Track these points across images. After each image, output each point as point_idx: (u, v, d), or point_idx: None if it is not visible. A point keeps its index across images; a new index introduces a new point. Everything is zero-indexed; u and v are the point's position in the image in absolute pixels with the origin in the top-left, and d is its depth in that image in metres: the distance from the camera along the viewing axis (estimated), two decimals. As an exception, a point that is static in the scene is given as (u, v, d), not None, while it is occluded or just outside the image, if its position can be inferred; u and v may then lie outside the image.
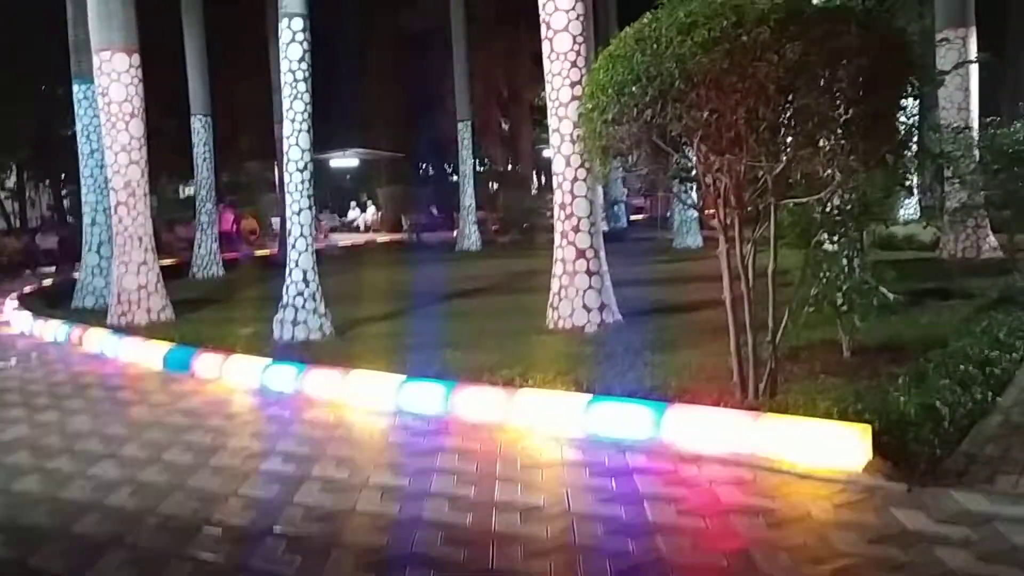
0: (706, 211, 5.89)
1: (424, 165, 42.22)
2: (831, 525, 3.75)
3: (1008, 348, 6.37)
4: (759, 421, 4.81)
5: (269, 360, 7.57)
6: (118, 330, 10.42)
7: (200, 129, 18.92)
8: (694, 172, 5.68)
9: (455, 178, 29.89)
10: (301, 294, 9.35)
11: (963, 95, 13.46)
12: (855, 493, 4.09)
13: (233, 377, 7.66)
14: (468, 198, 24.03)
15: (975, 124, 13.05)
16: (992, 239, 13.40)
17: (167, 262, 15.79)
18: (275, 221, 26.46)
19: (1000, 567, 3.28)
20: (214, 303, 13.26)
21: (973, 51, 13.77)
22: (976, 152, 11.20)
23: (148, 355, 8.82)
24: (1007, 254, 12.26)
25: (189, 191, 32.03)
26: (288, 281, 9.44)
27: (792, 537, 3.64)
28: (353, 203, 38.27)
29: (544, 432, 5.43)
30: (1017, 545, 3.44)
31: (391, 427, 5.94)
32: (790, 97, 4.95)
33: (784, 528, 3.76)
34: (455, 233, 25.19)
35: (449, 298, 12.39)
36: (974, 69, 13.48)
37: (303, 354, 7.92)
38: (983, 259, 12.62)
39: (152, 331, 10.18)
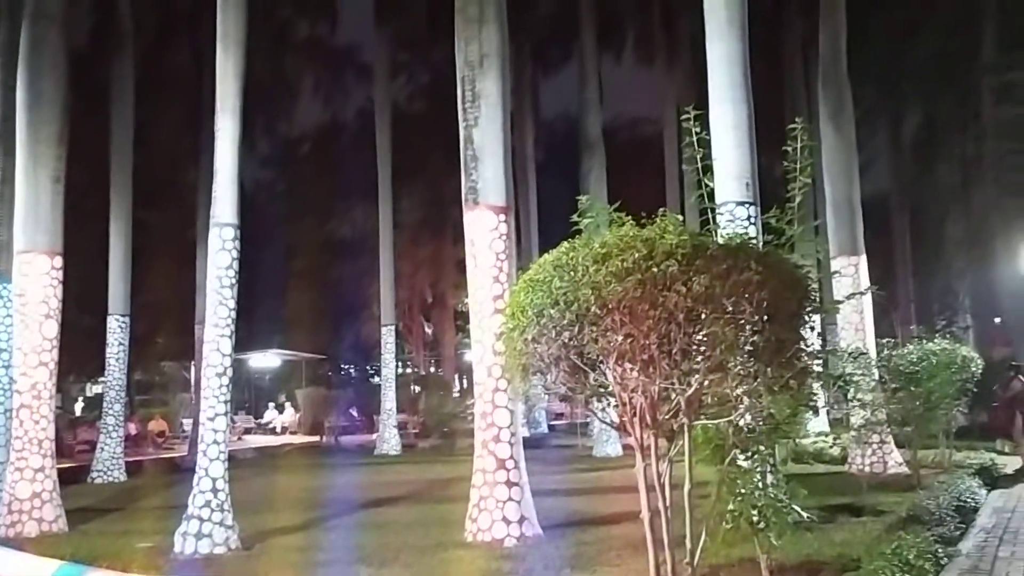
0: (623, 428, 6.03)
1: (346, 367, 42.08)
2: None
3: (919, 571, 6.47)
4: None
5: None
6: (5, 542, 9.69)
7: (116, 329, 18.63)
8: (611, 390, 5.87)
9: (377, 380, 29.82)
10: (208, 504, 8.96)
11: (859, 317, 14.37)
12: None
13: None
14: (389, 401, 23.88)
15: (871, 343, 13.88)
16: (897, 455, 13.87)
17: (65, 465, 14.99)
18: (187, 422, 25.63)
19: None
20: (113, 512, 12.52)
21: (865, 277, 14.87)
22: (875, 371, 11.87)
23: (35, 573, 8.18)
24: (911, 469, 12.69)
25: (97, 389, 30.99)
26: (195, 490, 9.07)
27: None
28: (271, 404, 37.53)
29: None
30: None
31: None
32: (699, 324, 5.27)
33: None
34: (375, 437, 24.77)
35: (366, 507, 12.01)
36: (867, 293, 14.49)
37: (205, 571, 7.48)
38: (890, 474, 12.99)
39: (42, 545, 9.50)
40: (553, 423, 30.52)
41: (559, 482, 13.46)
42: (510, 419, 9.27)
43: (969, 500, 10.07)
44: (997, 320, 29.02)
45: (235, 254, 9.62)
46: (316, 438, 29.24)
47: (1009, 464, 13.81)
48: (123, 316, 18.76)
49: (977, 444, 15.04)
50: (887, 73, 22.81)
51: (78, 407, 33.94)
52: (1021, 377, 14.84)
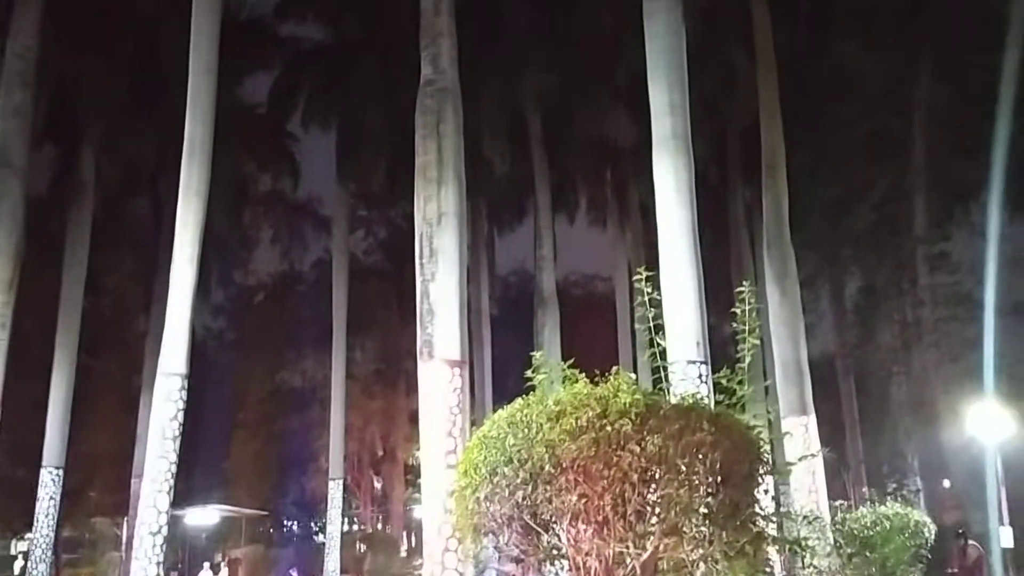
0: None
1: (288, 523, 40.39)
2: None
3: None
4: None
5: None
6: None
7: (49, 482, 17.77)
8: (565, 551, 5.70)
9: (321, 538, 28.59)
10: (132, 676, 8.31)
11: (811, 478, 14.33)
12: None
13: None
14: (333, 561, 22.86)
15: (824, 506, 13.78)
16: (855, 622, 13.51)
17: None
18: (115, 583, 24.12)
19: None
20: None
21: (815, 436, 14.95)
22: (830, 535, 11.73)
23: None
24: (871, 639, 12.34)
25: (22, 547, 29.18)
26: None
27: None
28: (206, 564, 35.56)
29: None
30: None
31: None
32: (653, 485, 5.21)
33: None
34: (315, 601, 23.51)
35: None
36: (819, 455, 14.53)
37: None
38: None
39: None
40: (504, 586, 29.31)
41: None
42: (459, 582, 8.91)
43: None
44: (946, 483, 29.19)
45: (181, 405, 9.42)
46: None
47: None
48: (57, 468, 17.95)
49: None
50: (828, 240, 23.87)
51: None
52: (973, 544, 14.78)
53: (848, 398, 28.29)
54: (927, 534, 13.09)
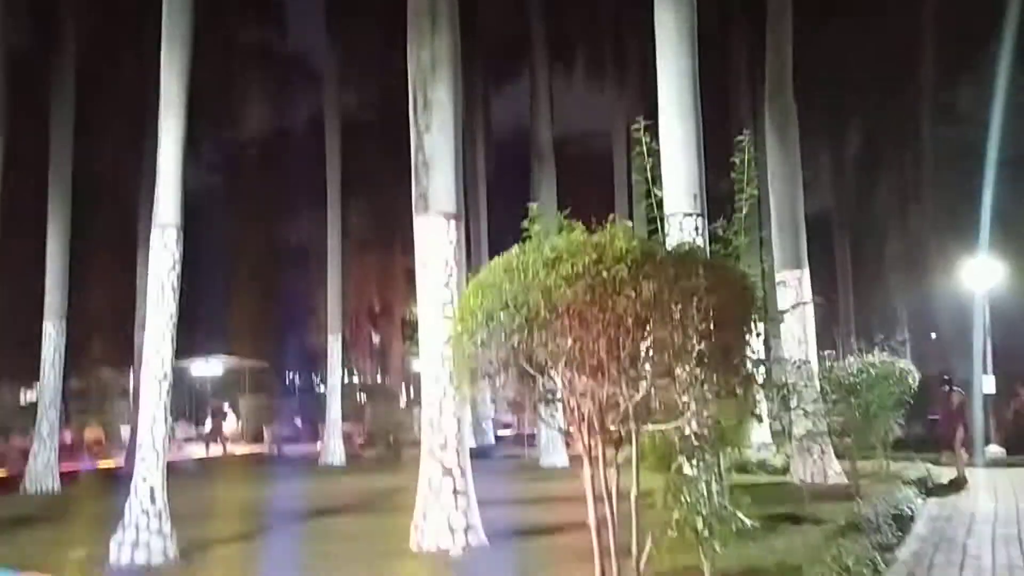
0: (571, 434, 6.03)
1: (291, 375, 41.47)
2: None
3: None
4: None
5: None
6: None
7: (53, 334, 18.05)
8: (559, 395, 5.86)
9: (322, 389, 29.45)
10: (146, 512, 8.72)
11: (802, 329, 14.63)
12: None
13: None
14: (334, 411, 23.59)
15: (813, 355, 14.15)
16: (836, 465, 14.13)
17: (-5, 474, 14.50)
18: (124, 430, 24.97)
19: None
20: (46, 521, 12.11)
21: (808, 290, 15.16)
22: (817, 383, 12.08)
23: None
24: (850, 479, 12.95)
25: (32, 396, 30.08)
26: (132, 498, 8.81)
27: None
28: (212, 413, 36.79)
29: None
30: None
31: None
32: (647, 329, 5.29)
33: None
34: (319, 446, 24.43)
35: (309, 517, 11.81)
36: (810, 305, 14.76)
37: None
38: (830, 484, 13.22)
39: (-32, 553, 9.15)
40: (500, 434, 30.47)
41: (505, 492, 13.39)
42: (457, 427, 9.22)
43: (906, 509, 10.30)
44: (933, 336, 29.86)
45: (177, 256, 9.42)
46: (259, 447, 28.73)
47: (944, 475, 14.17)
48: (59, 319, 18.20)
49: (913, 455, 15.40)
50: (831, 92, 23.38)
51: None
52: (957, 390, 15.26)
53: (842, 253, 28.51)
54: (911, 381, 13.49)
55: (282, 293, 33.59)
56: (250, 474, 20.26)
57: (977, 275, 19.39)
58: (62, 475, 17.95)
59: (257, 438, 30.25)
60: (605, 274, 5.06)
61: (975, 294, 19.38)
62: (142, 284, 14.49)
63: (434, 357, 9.14)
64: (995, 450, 18.08)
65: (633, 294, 5.06)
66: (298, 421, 32.03)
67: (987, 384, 18.43)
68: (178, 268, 9.42)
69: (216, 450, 28.48)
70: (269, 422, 30.03)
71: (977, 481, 14.20)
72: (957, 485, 13.66)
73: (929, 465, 14.85)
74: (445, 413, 9.16)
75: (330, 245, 24.55)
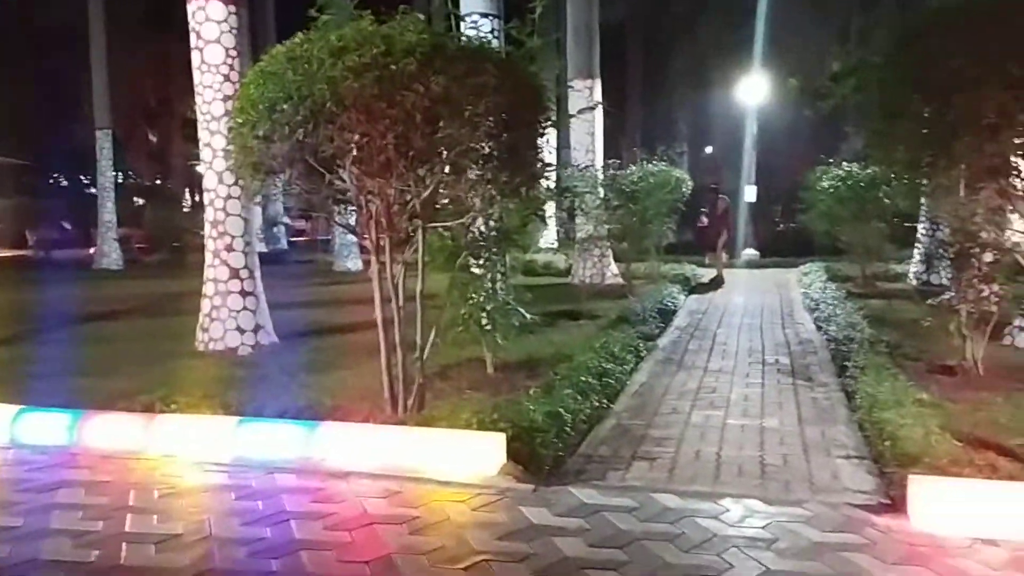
0: (360, 234, 6.01)
1: (56, 175, 37.99)
2: (468, 527, 4.01)
3: (621, 361, 7.28)
4: (406, 435, 5.00)
5: None
6: None
7: None
8: (349, 194, 5.78)
9: (93, 191, 27.33)
10: None
11: (589, 138, 15.12)
12: (490, 496, 4.41)
13: None
14: (108, 213, 22.11)
15: (599, 162, 14.74)
16: (614, 267, 15.17)
17: None
18: None
19: (607, 550, 3.73)
20: None
21: (599, 99, 15.53)
22: (600, 190, 12.68)
23: None
24: (625, 280, 14.00)
25: None
26: None
27: (432, 541, 3.84)
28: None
29: (187, 459, 5.15)
30: (622, 530, 3.95)
31: (3, 463, 5.26)
32: (437, 126, 5.25)
33: (425, 533, 3.94)
34: (92, 251, 22.98)
35: (84, 322, 11.25)
36: (599, 116, 15.20)
37: None
38: (607, 284, 14.22)
39: None
40: (294, 239, 29.96)
41: (298, 295, 13.38)
42: (244, 228, 8.92)
43: (670, 304, 11.36)
44: (708, 149, 31.91)
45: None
46: (22, 251, 26.61)
47: (706, 274, 15.64)
48: None
49: (682, 258, 16.81)
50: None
51: None
52: (723, 197, 16.59)
53: (635, 66, 29.20)
54: (684, 190, 14.48)
55: (41, 83, 30.06)
56: (13, 279, 18.83)
57: (749, 92, 20.69)
58: None
59: (19, 242, 27.89)
60: (394, 67, 4.89)
61: (747, 110, 20.74)
62: None
63: (216, 154, 8.66)
64: (751, 253, 20.10)
65: (423, 89, 4.95)
66: (66, 224, 29.71)
67: (749, 193, 20.17)
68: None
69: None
70: (32, 225, 27.67)
71: (734, 280, 15.80)
72: (716, 284, 15.15)
73: (694, 267, 16.33)
74: (231, 214, 8.80)
75: (93, 29, 22.00)
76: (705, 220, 16.04)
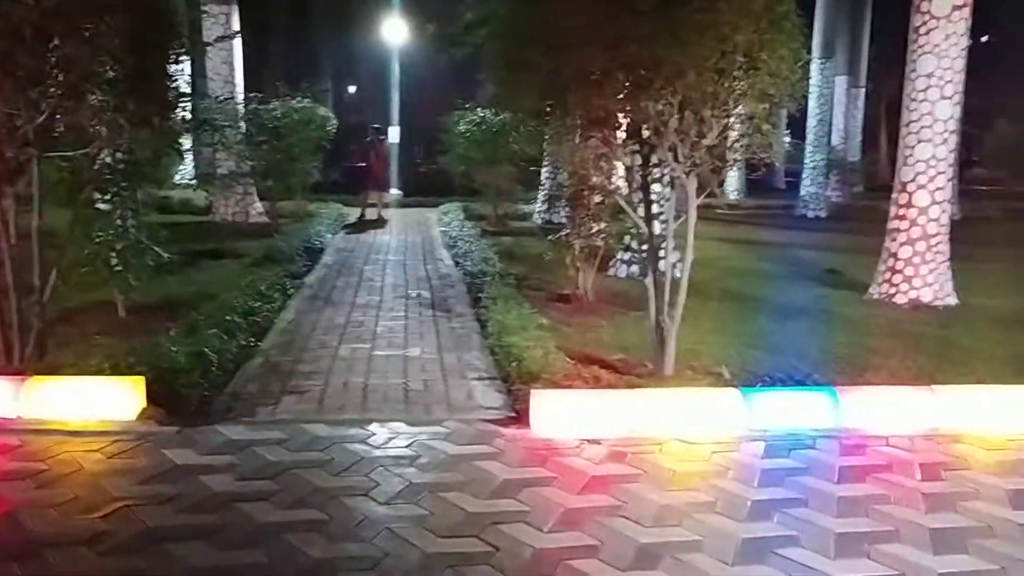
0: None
1: None
2: (103, 475, 3.81)
3: (268, 299, 7.21)
4: (25, 386, 4.56)
5: None
6: None
7: None
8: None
9: None
10: None
11: (228, 69, 14.33)
12: (128, 442, 4.21)
13: None
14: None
15: (240, 95, 14.07)
16: (259, 205, 14.72)
17: None
18: None
19: (257, 482, 3.78)
20: None
21: (236, 25, 14.65)
22: (242, 124, 12.19)
23: None
24: (270, 219, 13.70)
25: None
26: None
27: (63, 493, 3.59)
28: None
29: None
30: (271, 461, 4.01)
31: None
32: (50, 44, 4.72)
33: (54, 486, 3.68)
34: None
35: None
36: (238, 46, 14.43)
37: None
38: (251, 223, 13.80)
39: None
40: None
41: None
42: None
43: (317, 243, 11.37)
44: (352, 89, 31.90)
45: None
46: None
47: (352, 214, 15.80)
48: None
49: (328, 197, 16.76)
50: None
51: None
52: (384, 138, 16.71)
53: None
54: (330, 128, 14.42)
55: None
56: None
57: (391, 33, 21.01)
58: None
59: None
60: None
61: (390, 52, 21.05)
62: None
63: None
64: (395, 192, 20.64)
65: (33, 2, 4.43)
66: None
67: (393, 135, 20.62)
68: None
69: None
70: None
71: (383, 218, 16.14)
72: (380, 222, 15.27)
73: (340, 206, 16.39)
74: None
75: None
76: (372, 159, 15.95)
